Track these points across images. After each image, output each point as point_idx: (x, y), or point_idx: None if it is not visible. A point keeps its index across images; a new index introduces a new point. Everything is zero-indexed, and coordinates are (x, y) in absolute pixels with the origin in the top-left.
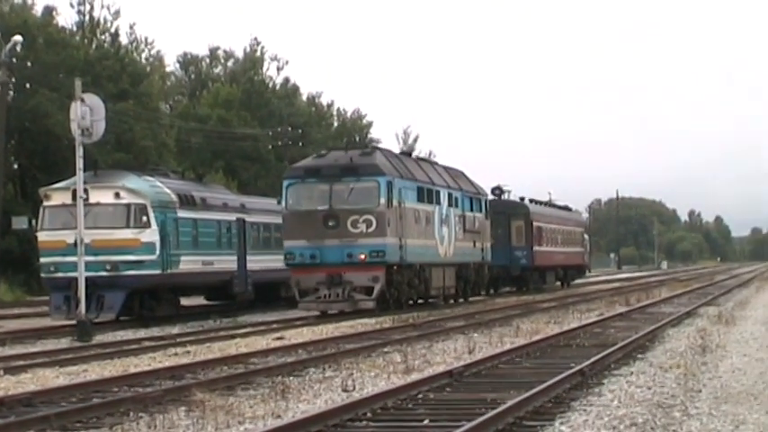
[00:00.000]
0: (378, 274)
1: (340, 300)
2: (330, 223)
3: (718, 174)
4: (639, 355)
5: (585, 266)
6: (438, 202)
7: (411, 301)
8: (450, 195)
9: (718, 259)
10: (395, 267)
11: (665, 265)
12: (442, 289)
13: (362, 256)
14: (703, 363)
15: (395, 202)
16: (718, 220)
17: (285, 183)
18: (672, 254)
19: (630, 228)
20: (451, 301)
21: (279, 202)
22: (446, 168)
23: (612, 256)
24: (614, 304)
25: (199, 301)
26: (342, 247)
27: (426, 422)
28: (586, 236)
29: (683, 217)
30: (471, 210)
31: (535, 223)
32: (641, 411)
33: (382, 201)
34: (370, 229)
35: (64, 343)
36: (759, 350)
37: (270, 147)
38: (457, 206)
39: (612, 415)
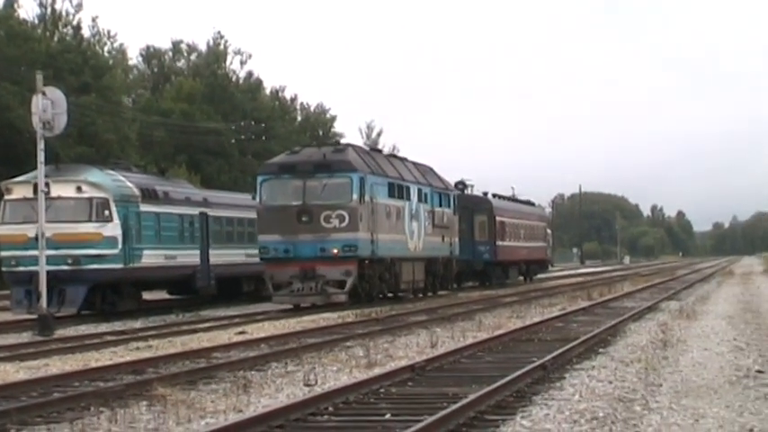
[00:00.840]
0: (350, 268)
1: (313, 293)
2: (303, 218)
3: (680, 169)
4: (601, 350)
5: (548, 261)
6: (408, 198)
7: (381, 295)
8: (419, 191)
9: (680, 254)
10: (366, 261)
11: (627, 259)
12: (412, 283)
13: (335, 251)
14: (664, 357)
15: (367, 198)
16: (681, 215)
17: (259, 179)
18: (634, 249)
19: (593, 223)
20: (420, 295)
21: (253, 198)
22: (415, 164)
23: (575, 250)
24: (577, 299)
25: (161, 295)
26: (315, 241)
27: (388, 416)
28: (549, 231)
29: (646, 212)
30: (440, 205)
31: (498, 218)
32: (602, 405)
33: (355, 196)
34: (343, 224)
35: (25, 337)
36: (719, 344)
37: (233, 141)
38: (426, 202)
39: (574, 409)
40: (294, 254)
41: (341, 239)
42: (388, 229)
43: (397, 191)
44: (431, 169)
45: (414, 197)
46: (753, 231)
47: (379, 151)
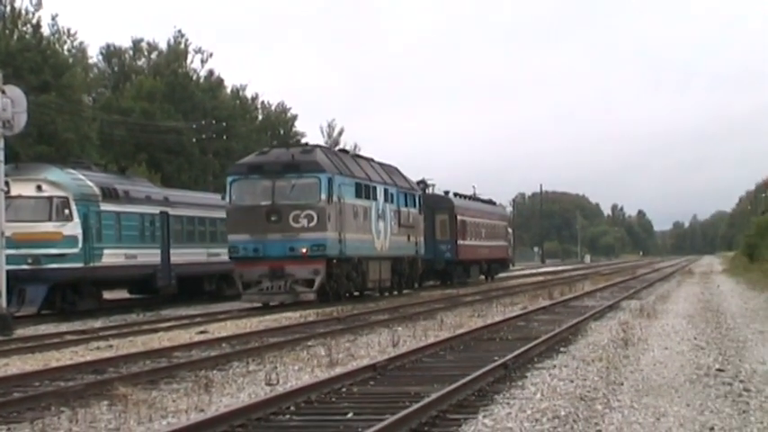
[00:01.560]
0: (318, 267)
1: (282, 292)
2: (273, 218)
3: (640, 168)
4: (562, 349)
5: (509, 260)
6: (375, 198)
7: (348, 294)
8: (385, 191)
9: (641, 253)
10: (334, 261)
11: (588, 258)
12: (379, 282)
13: (304, 250)
14: (625, 356)
15: (335, 198)
16: (641, 214)
17: (229, 179)
18: (595, 248)
19: (554, 222)
20: (386, 294)
21: (222, 198)
22: (381, 165)
23: (536, 249)
24: (538, 298)
25: (122, 294)
26: (284, 241)
27: (350, 415)
28: (510, 230)
29: (606, 211)
30: (406, 205)
31: (459, 217)
32: (564, 404)
33: (323, 196)
34: (312, 224)
35: None
36: (680, 343)
37: (194, 140)
38: (392, 202)
39: (535, 408)
40: (263, 253)
41: (309, 239)
42: (355, 228)
43: (364, 191)
44: (396, 169)
45: (380, 197)
46: (713, 230)
47: (347, 152)
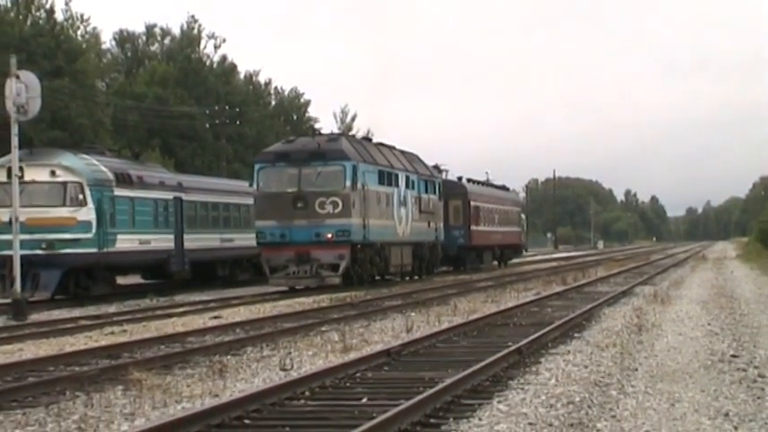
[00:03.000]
0: (343, 252)
1: (308, 276)
2: (299, 204)
3: (654, 154)
4: (576, 334)
5: (522, 246)
6: (396, 185)
7: (371, 278)
8: (407, 178)
9: (654, 239)
10: (359, 246)
11: (601, 244)
12: (400, 266)
13: (329, 236)
14: (639, 342)
15: (359, 185)
16: (654, 200)
17: (256, 166)
18: (608, 233)
19: (567, 207)
20: (407, 278)
21: (250, 185)
22: (403, 152)
23: (549, 235)
24: (551, 283)
25: (135, 279)
26: (310, 227)
27: (365, 401)
28: (523, 215)
29: (620, 197)
30: (426, 192)
31: (472, 203)
32: (578, 390)
33: (348, 184)
34: (337, 211)
35: None
36: (694, 329)
37: (207, 125)
38: (413, 188)
39: (550, 393)
40: (290, 238)
41: (334, 225)
42: (378, 214)
43: (387, 178)
44: (417, 157)
45: (402, 184)
46: (726, 216)
47: (370, 140)
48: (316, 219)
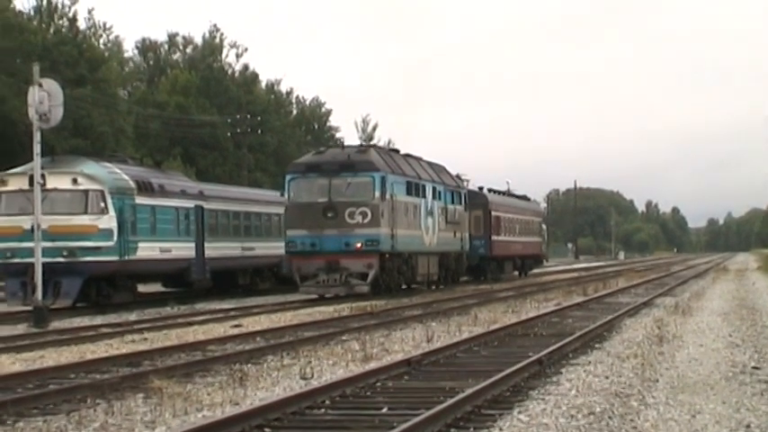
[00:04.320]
0: (372, 262)
1: (337, 284)
2: (329, 214)
3: (675, 165)
4: (597, 345)
5: (543, 256)
6: (424, 196)
7: (399, 287)
8: (434, 189)
9: (675, 250)
10: (387, 255)
11: (621, 255)
12: (427, 275)
13: (358, 245)
14: (660, 353)
15: (387, 196)
16: (675, 210)
17: (288, 177)
18: (629, 244)
19: (588, 218)
20: (433, 288)
21: (282, 195)
22: (430, 163)
23: (570, 246)
24: (572, 294)
25: (156, 287)
26: (339, 236)
27: (385, 410)
28: (544, 226)
29: (641, 208)
30: (452, 202)
31: (493, 213)
32: (599, 400)
33: (377, 194)
34: (366, 220)
35: (20, 329)
36: (715, 341)
37: (228, 134)
38: (440, 199)
39: (570, 404)
40: (320, 247)
41: (364, 234)
42: (406, 225)
43: (414, 189)
44: (444, 168)
45: (429, 195)
46: (747, 228)
47: (397, 151)
48: (345, 228)
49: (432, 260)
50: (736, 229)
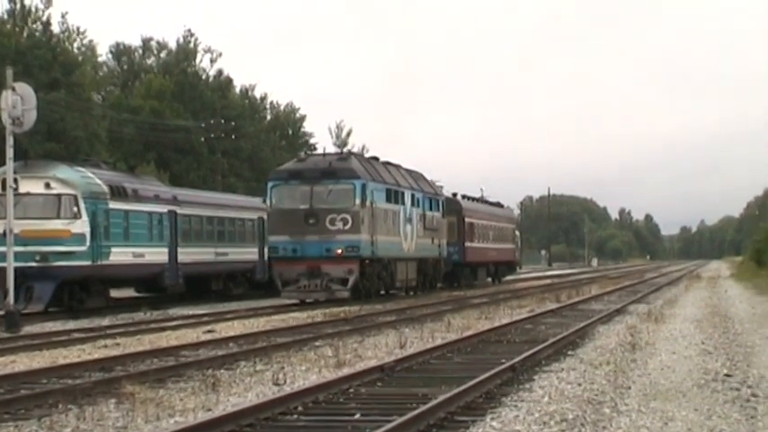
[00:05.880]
0: (352, 267)
1: (318, 290)
2: (310, 221)
3: (648, 173)
4: (570, 352)
5: (516, 263)
6: (403, 203)
7: (377, 292)
8: (412, 196)
9: (648, 257)
10: (367, 261)
11: (595, 262)
12: (405, 281)
13: (339, 251)
14: (633, 360)
15: (368, 203)
16: (649, 218)
17: (270, 184)
18: (602, 251)
19: (561, 225)
20: (411, 293)
21: (264, 201)
22: (408, 171)
23: (543, 252)
24: (545, 301)
25: (129, 292)
26: (321, 242)
27: (358, 416)
28: (518, 232)
29: (614, 215)
30: (430, 209)
31: (467, 219)
32: (571, 407)
33: (357, 201)
34: (347, 227)
35: None
36: (688, 348)
37: (202, 139)
38: (418, 206)
39: (543, 411)
40: (301, 253)
41: (344, 240)
42: (385, 231)
43: (394, 196)
44: (422, 175)
45: (408, 202)
46: (720, 235)
47: (377, 159)
48: (326, 234)
49: (410, 266)
50: (708, 237)
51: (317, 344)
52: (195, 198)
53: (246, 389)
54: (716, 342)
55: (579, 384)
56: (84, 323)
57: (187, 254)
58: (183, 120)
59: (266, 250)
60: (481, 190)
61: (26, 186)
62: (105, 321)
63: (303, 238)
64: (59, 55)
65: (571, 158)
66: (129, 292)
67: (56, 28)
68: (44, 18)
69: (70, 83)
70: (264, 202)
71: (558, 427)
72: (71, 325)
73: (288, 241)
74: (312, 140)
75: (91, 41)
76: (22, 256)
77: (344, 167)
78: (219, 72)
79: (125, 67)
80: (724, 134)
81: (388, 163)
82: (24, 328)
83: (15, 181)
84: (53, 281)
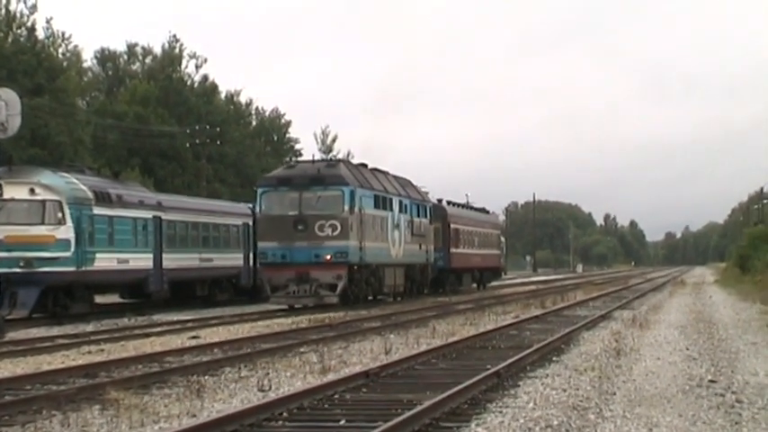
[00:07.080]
0: (341, 273)
1: (307, 295)
2: (299, 227)
3: (633, 179)
4: (555, 358)
5: (502, 269)
6: (391, 209)
7: (365, 297)
8: (400, 202)
9: (633, 263)
10: (355, 267)
11: (580, 268)
12: (393, 287)
13: (328, 257)
14: (617, 366)
15: (356, 209)
16: (633, 224)
17: (259, 190)
18: (587, 257)
19: (546, 231)
20: (399, 299)
21: (252, 208)
22: (396, 178)
23: (528, 258)
24: (530, 307)
25: (113, 298)
26: (309, 248)
27: (343, 422)
28: (503, 238)
29: (599, 221)
30: (418, 215)
31: (452, 225)
32: (556, 413)
33: (346, 208)
34: (335, 233)
35: None
36: (672, 354)
37: (187, 145)
38: (406, 212)
39: (528, 417)
40: (290, 259)
41: (333, 247)
42: (374, 237)
43: (382, 202)
44: (409, 182)
45: (396, 208)
46: (705, 242)
47: (365, 165)
48: (315, 240)
49: (398, 272)
50: (693, 243)
51: (302, 350)
52: (180, 204)
53: (231, 395)
54: (700, 348)
55: (564, 390)
56: (68, 329)
57: (172, 260)
58: (167, 125)
59: (251, 256)
60: (466, 196)
61: (10, 192)
62: (90, 327)
63: (292, 244)
64: (44, 60)
65: (556, 164)
66: (113, 298)
67: (40, 33)
68: (29, 23)
69: (54, 88)
70: (252, 208)
71: None
72: (55, 331)
73: (277, 247)
74: (297, 146)
75: (76, 47)
76: (7, 262)
77: (333, 174)
78: (205, 78)
79: (110, 72)
80: (708, 140)
81: (376, 169)
82: (8, 334)
83: (0, 187)
84: (37, 287)
